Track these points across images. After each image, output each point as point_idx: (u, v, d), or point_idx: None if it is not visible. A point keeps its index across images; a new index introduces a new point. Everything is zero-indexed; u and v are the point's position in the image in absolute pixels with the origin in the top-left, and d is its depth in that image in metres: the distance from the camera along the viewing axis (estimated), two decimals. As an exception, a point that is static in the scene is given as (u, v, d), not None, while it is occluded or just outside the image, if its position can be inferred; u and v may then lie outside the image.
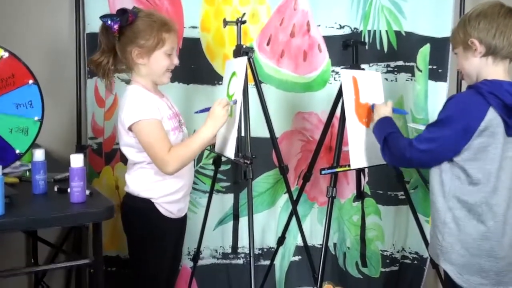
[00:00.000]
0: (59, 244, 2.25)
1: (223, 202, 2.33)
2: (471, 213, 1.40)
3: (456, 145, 1.37)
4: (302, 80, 2.35)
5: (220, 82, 2.20)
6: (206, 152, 2.27)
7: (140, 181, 1.60)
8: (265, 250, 2.42)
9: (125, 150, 1.59)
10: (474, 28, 1.40)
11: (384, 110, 1.67)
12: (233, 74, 1.76)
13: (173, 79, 1.72)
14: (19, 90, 1.38)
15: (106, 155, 2.23)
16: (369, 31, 2.35)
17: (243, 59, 1.73)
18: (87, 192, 1.38)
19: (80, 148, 2.21)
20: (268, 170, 2.35)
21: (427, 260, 2.40)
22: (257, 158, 1.76)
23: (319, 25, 2.33)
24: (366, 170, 2.36)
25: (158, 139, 1.50)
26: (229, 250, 2.36)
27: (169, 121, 1.59)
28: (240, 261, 2.40)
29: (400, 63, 2.38)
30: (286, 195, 2.31)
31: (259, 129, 2.10)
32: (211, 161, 2.17)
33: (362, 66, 1.97)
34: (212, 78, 2.26)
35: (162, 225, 1.61)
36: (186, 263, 2.32)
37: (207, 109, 1.64)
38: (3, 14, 2.18)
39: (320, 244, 2.29)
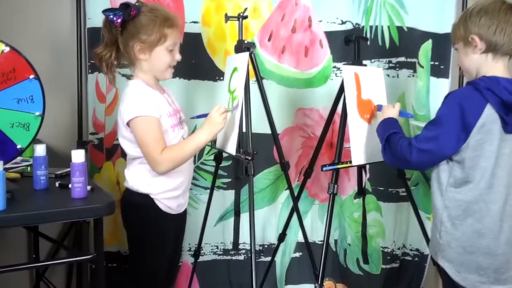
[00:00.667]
0: (60, 239, 2.25)
1: (224, 198, 2.33)
2: (466, 211, 1.40)
3: (455, 143, 1.37)
4: (304, 76, 2.34)
5: (221, 78, 2.20)
6: (207, 148, 2.27)
7: (140, 176, 1.59)
8: (266, 246, 2.42)
9: (124, 144, 1.59)
10: (474, 24, 1.40)
11: (391, 112, 1.66)
12: (235, 69, 1.76)
13: (174, 75, 1.72)
14: (20, 85, 1.37)
15: (107, 151, 2.23)
16: (371, 27, 2.34)
17: (245, 55, 1.73)
18: (88, 187, 1.38)
19: (81, 143, 2.21)
20: (269, 166, 2.35)
21: (428, 257, 2.40)
22: (258, 154, 1.75)
23: (320, 21, 2.32)
24: (367, 166, 2.35)
25: (153, 138, 1.50)
26: (230, 246, 2.36)
27: (169, 118, 1.58)
28: (241, 257, 2.40)
29: (402, 59, 2.37)
30: (287, 192, 2.31)
31: (260, 125, 2.10)
32: (212, 157, 2.17)
33: (364, 62, 1.96)
34: (213, 73, 2.26)
35: (162, 221, 1.61)
36: (187, 259, 2.32)
37: (204, 115, 1.64)
38: (4, 9, 2.18)
39: (321, 241, 2.30)
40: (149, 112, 1.51)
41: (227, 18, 1.87)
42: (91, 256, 1.37)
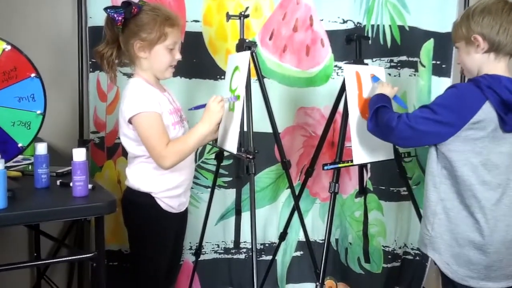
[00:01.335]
0: (61, 238, 2.25)
1: (225, 197, 2.33)
2: (462, 204, 1.41)
3: (443, 132, 1.37)
4: (305, 75, 2.34)
5: (223, 77, 2.20)
6: (208, 147, 2.27)
7: (141, 175, 1.59)
8: (267, 245, 2.42)
9: (125, 143, 1.59)
10: (477, 24, 1.40)
11: (388, 91, 1.66)
12: (236, 68, 1.75)
13: (175, 74, 1.72)
14: (21, 83, 1.37)
15: (108, 149, 2.23)
16: (372, 26, 2.34)
17: (246, 54, 1.73)
18: (89, 186, 1.38)
19: (82, 142, 2.21)
20: (270, 165, 2.35)
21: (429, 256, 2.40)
22: (260, 153, 1.75)
23: (322, 20, 2.31)
24: (369, 165, 2.35)
25: (157, 132, 1.50)
26: (231, 245, 2.36)
27: (170, 115, 1.59)
28: (242, 256, 2.40)
29: (404, 58, 2.37)
30: (288, 190, 2.31)
31: (261, 124, 2.09)
32: (213, 156, 2.17)
33: (365, 61, 1.96)
34: (215, 72, 2.25)
35: (163, 220, 1.61)
36: (188, 257, 2.32)
37: (202, 106, 1.64)
38: (6, 8, 2.18)
39: (322, 240, 2.30)
40: (151, 108, 1.51)
41: (229, 17, 1.87)
42: (92, 254, 1.38)
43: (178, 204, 1.65)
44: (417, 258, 2.46)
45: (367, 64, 1.94)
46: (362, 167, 2.04)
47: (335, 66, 2.34)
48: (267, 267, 2.30)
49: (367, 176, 2.37)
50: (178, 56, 1.62)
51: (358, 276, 2.46)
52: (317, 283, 1.84)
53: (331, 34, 2.32)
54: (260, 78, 1.87)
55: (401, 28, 2.35)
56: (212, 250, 2.37)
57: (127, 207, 1.64)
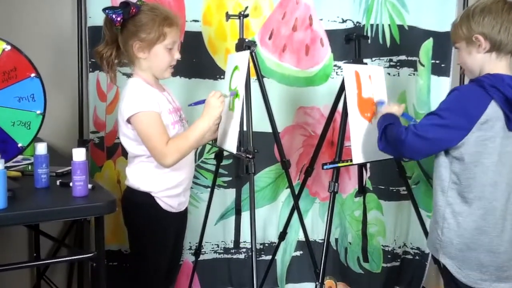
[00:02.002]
0: (61, 238, 2.25)
1: (225, 196, 2.33)
2: (470, 208, 1.40)
3: (453, 136, 1.36)
4: (304, 74, 2.34)
5: (222, 76, 2.20)
6: (208, 147, 2.27)
7: (140, 175, 1.59)
8: (266, 245, 2.42)
9: (124, 142, 1.60)
10: (478, 24, 1.40)
11: (395, 109, 1.65)
12: (235, 68, 1.76)
13: (175, 73, 1.72)
14: (21, 83, 1.37)
15: (108, 149, 2.23)
16: (371, 25, 2.34)
17: (245, 53, 1.73)
18: (89, 186, 1.38)
19: (82, 142, 2.21)
20: (270, 164, 2.35)
21: (428, 255, 2.40)
22: (259, 152, 1.75)
23: (321, 19, 2.32)
24: (368, 165, 2.36)
25: (157, 131, 1.50)
26: (231, 245, 2.36)
27: (169, 115, 1.59)
28: (242, 256, 2.40)
29: (403, 57, 2.37)
30: (288, 190, 2.31)
31: (261, 124, 2.10)
32: (213, 155, 2.17)
33: (365, 60, 1.96)
34: (214, 72, 2.26)
35: (162, 219, 1.61)
36: (188, 257, 2.32)
37: (201, 101, 1.64)
38: (5, 7, 2.18)
39: (322, 239, 2.30)
40: (150, 107, 1.51)
41: (228, 16, 1.87)
42: (92, 254, 1.37)
43: (178, 203, 1.65)
44: (417, 257, 2.46)
45: (366, 64, 1.94)
46: (361, 166, 2.05)
47: (335, 65, 2.34)
48: (266, 267, 2.30)
49: (366, 175, 2.37)
50: (177, 56, 1.62)
51: (357, 275, 2.46)
52: (317, 283, 1.84)
53: (330, 33, 2.32)
54: (260, 78, 1.87)
55: (400, 27, 2.35)
56: (212, 250, 2.37)
57: (127, 207, 1.65)
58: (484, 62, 1.42)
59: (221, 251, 2.39)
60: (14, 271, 2.05)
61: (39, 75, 1.39)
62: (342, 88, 1.89)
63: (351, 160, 1.76)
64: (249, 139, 1.74)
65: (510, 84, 1.35)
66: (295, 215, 2.09)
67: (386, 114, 1.62)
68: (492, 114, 1.35)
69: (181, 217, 1.72)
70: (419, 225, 2.09)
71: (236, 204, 2.06)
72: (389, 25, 2.35)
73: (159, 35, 1.55)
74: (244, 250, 2.39)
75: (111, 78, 1.61)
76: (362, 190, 2.11)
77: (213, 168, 2.16)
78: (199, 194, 2.30)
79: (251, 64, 1.81)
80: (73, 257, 1.90)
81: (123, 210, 1.66)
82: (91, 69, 2.20)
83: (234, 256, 2.40)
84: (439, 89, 2.35)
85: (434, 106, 2.33)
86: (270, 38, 2.30)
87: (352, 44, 1.94)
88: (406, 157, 1.60)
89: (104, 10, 1.53)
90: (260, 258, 2.39)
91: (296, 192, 2.08)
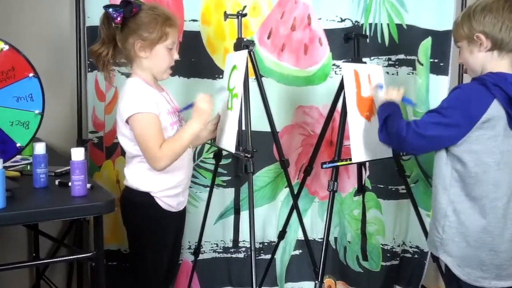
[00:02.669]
0: (60, 238, 2.25)
1: (224, 196, 2.33)
2: (472, 206, 1.40)
3: (454, 134, 1.37)
4: (303, 73, 2.34)
5: (221, 76, 2.20)
6: (207, 146, 2.27)
7: (139, 175, 1.59)
8: (265, 244, 2.42)
9: (123, 142, 1.60)
10: (479, 23, 1.39)
11: (395, 95, 1.65)
12: (234, 67, 1.75)
13: (173, 73, 1.72)
14: (19, 83, 1.37)
15: (107, 149, 2.23)
16: (370, 24, 2.34)
17: (244, 53, 1.73)
18: (88, 185, 1.38)
19: (81, 142, 2.21)
20: (269, 164, 2.35)
21: (427, 254, 2.40)
22: (258, 152, 1.75)
23: (320, 18, 2.32)
24: (367, 164, 2.35)
25: (152, 134, 1.50)
26: (230, 244, 2.36)
27: (168, 115, 1.59)
28: (241, 255, 2.40)
29: (402, 56, 2.37)
30: (287, 189, 2.31)
31: (260, 123, 2.09)
32: (211, 155, 2.17)
33: (363, 59, 1.96)
34: (213, 71, 2.25)
35: (162, 219, 1.61)
36: (187, 257, 2.32)
37: (190, 106, 1.63)
38: (4, 7, 2.18)
39: (321, 238, 2.30)
40: (148, 108, 1.51)
41: (226, 16, 1.86)
42: (91, 254, 1.38)
43: (177, 203, 1.65)
44: (416, 256, 2.46)
45: (365, 63, 1.94)
46: (360, 165, 2.04)
47: (333, 64, 2.34)
48: (266, 266, 2.30)
49: (365, 174, 2.37)
50: (176, 56, 1.62)
51: (357, 274, 2.46)
52: (316, 282, 1.84)
53: (329, 32, 2.32)
54: (258, 77, 1.87)
55: (399, 26, 2.35)
56: (211, 249, 2.37)
57: (126, 206, 1.64)
58: (485, 60, 1.42)
59: (221, 250, 2.39)
60: (13, 271, 2.05)
61: (37, 75, 1.39)
62: (341, 87, 1.89)
63: (350, 159, 1.76)
64: (248, 138, 1.74)
65: None
66: (294, 214, 2.09)
67: (385, 103, 1.61)
68: (494, 113, 1.34)
69: (180, 216, 1.72)
70: (418, 224, 2.09)
71: (235, 203, 2.06)
72: (387, 24, 2.35)
73: (161, 35, 1.55)
74: (243, 249, 2.39)
75: (106, 77, 1.61)
76: (361, 189, 2.11)
77: (212, 167, 2.16)
78: (198, 193, 2.30)
79: (250, 64, 1.80)
80: (72, 257, 1.90)
81: (122, 210, 1.66)
82: (89, 69, 2.20)
83: (234, 256, 2.40)
84: (438, 88, 2.35)
85: (432, 104, 2.33)
86: (268, 37, 2.30)
87: (351, 43, 1.94)
88: (407, 152, 1.61)
89: (104, 7, 1.53)
90: (260, 257, 2.39)
91: (295, 191, 2.08)
